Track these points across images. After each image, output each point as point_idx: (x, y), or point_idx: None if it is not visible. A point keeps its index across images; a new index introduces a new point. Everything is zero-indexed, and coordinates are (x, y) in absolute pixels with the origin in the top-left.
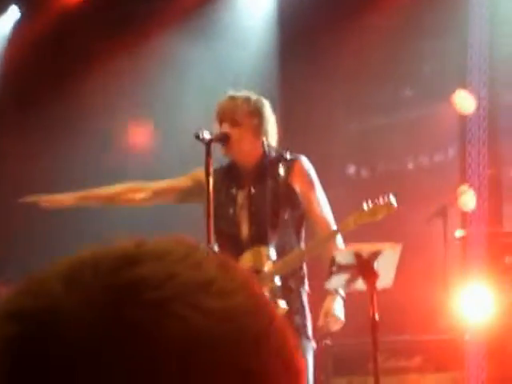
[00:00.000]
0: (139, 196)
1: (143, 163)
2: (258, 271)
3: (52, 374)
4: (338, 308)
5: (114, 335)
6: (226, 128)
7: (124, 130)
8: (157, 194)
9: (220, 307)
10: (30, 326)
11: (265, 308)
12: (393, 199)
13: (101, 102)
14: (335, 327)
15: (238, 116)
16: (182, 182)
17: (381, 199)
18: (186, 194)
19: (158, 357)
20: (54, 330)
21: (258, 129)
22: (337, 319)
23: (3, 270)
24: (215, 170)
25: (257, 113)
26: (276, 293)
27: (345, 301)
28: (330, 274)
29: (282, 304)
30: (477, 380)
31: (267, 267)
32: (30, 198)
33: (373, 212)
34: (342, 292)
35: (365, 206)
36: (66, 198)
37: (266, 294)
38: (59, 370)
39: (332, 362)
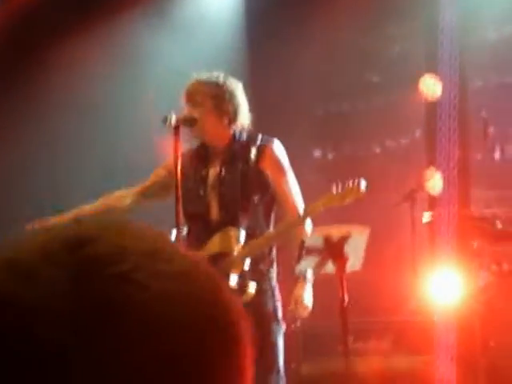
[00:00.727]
0: (126, 203)
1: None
2: (227, 254)
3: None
4: (307, 295)
5: (84, 317)
6: (189, 110)
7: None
8: (142, 194)
9: (176, 271)
10: None
11: (209, 273)
12: (362, 183)
13: (61, 92)
14: (304, 314)
15: (200, 97)
16: (159, 173)
17: (350, 183)
18: (167, 186)
19: (136, 327)
20: (15, 327)
21: (220, 110)
22: (305, 305)
23: None
24: (184, 154)
25: (218, 94)
26: (246, 276)
27: (313, 285)
28: (300, 257)
29: (252, 286)
30: (446, 361)
31: (237, 250)
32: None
33: (341, 196)
34: (310, 276)
35: (334, 190)
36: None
37: (236, 276)
38: (42, 361)
39: (302, 344)
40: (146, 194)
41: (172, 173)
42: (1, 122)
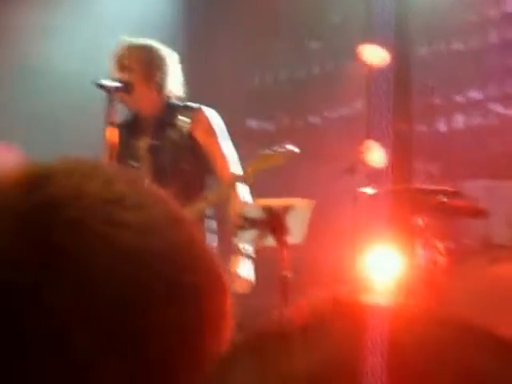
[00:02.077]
0: None
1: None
2: None
3: None
4: (245, 268)
5: (39, 263)
6: (121, 76)
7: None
8: None
9: (138, 220)
10: None
11: (183, 221)
12: (290, 146)
13: None
14: (242, 289)
15: (131, 62)
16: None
17: (278, 147)
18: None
19: (85, 278)
20: None
21: (151, 76)
22: (244, 280)
23: None
24: (119, 125)
25: (150, 60)
26: None
27: (254, 259)
28: (238, 229)
29: None
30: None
31: None
32: None
33: (270, 157)
34: (250, 249)
35: (266, 152)
36: None
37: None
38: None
39: (240, 321)
40: None
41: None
42: None
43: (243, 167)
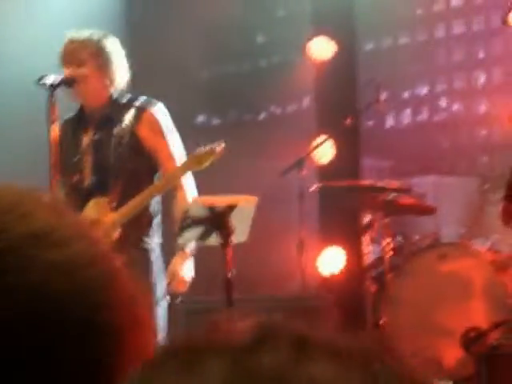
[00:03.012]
0: None
1: None
2: (98, 222)
3: None
4: (185, 268)
5: None
6: (70, 70)
7: None
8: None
9: (61, 258)
10: None
11: (106, 257)
12: (218, 145)
13: None
14: (181, 288)
15: (82, 56)
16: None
17: (207, 146)
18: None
19: (3, 313)
20: None
21: (104, 68)
22: (183, 280)
23: None
24: (65, 121)
25: (101, 52)
26: (115, 246)
27: (194, 257)
28: (182, 228)
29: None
30: None
31: (107, 219)
32: None
33: (198, 158)
34: (191, 248)
35: (196, 151)
36: None
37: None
38: None
39: (185, 321)
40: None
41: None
42: None
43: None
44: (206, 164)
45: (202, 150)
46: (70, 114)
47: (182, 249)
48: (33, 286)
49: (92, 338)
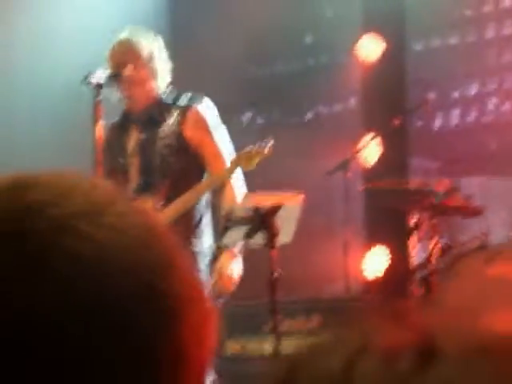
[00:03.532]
0: None
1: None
2: None
3: None
4: (231, 268)
5: (21, 262)
6: (117, 70)
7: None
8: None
9: (124, 224)
10: None
11: (166, 236)
12: (267, 144)
13: None
14: (229, 288)
15: (129, 56)
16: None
17: (256, 146)
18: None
19: (69, 275)
20: None
21: (149, 69)
22: (231, 279)
23: None
24: (111, 126)
25: (148, 52)
26: None
27: (242, 257)
28: (227, 227)
29: None
30: None
31: None
32: None
33: (247, 158)
34: (239, 247)
35: (246, 149)
36: None
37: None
38: None
39: (226, 323)
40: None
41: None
42: None
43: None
44: (255, 163)
45: (251, 149)
46: (115, 117)
47: (228, 247)
48: (100, 249)
49: (151, 301)
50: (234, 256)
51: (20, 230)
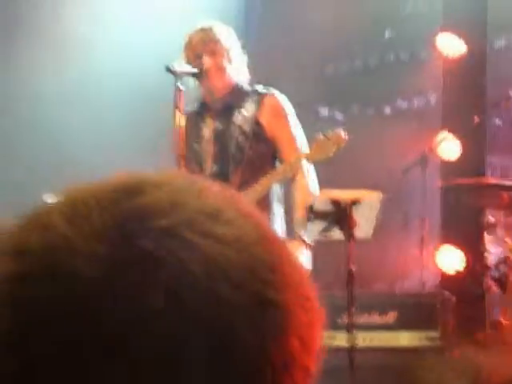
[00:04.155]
0: None
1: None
2: None
3: (61, 315)
4: (302, 257)
5: (127, 268)
6: (197, 60)
7: None
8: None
9: (232, 235)
10: (35, 265)
11: (273, 239)
12: (341, 133)
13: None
14: None
15: (209, 46)
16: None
17: (330, 134)
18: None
19: (175, 286)
20: (63, 269)
21: (228, 59)
22: None
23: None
24: (189, 114)
25: (226, 43)
26: None
27: (315, 251)
28: (307, 220)
29: None
30: (450, 336)
31: None
32: None
33: (322, 147)
34: (311, 239)
35: (320, 137)
36: None
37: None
38: (70, 311)
39: None
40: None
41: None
42: None
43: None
44: (330, 153)
45: (326, 137)
46: (193, 105)
47: (301, 238)
48: (204, 260)
49: (258, 312)
50: (303, 247)
51: (134, 231)
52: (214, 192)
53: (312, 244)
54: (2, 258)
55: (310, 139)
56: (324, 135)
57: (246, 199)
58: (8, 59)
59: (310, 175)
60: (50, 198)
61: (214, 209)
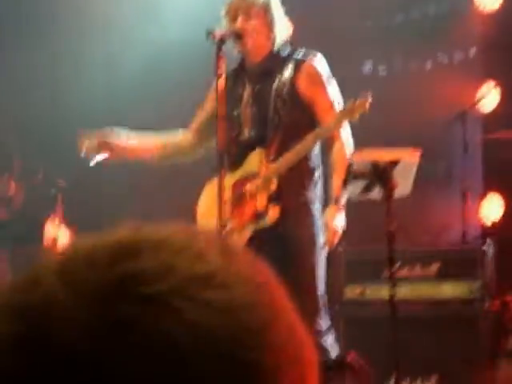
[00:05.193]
0: (189, 141)
1: None
2: (256, 175)
3: (53, 374)
4: (337, 220)
5: (108, 333)
6: (239, 23)
7: None
8: (199, 131)
9: (218, 299)
10: (23, 325)
11: (271, 301)
12: (365, 98)
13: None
14: (333, 240)
15: (249, 10)
16: (207, 107)
17: (356, 99)
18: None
19: (154, 352)
20: (49, 329)
21: (269, 22)
22: (335, 232)
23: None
24: (228, 74)
25: (267, 6)
26: (274, 197)
27: (356, 210)
28: (346, 181)
29: (274, 210)
30: (492, 287)
31: (265, 170)
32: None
33: (350, 111)
34: (343, 201)
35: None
36: (127, 147)
37: (264, 199)
38: (60, 370)
39: (345, 269)
40: (201, 130)
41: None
42: None
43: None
44: (357, 116)
45: (353, 103)
46: (232, 67)
47: (335, 201)
48: (188, 326)
49: (242, 376)
50: (339, 209)
51: (116, 298)
52: (216, 251)
53: (345, 205)
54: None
55: (353, 96)
56: (352, 101)
57: (284, 162)
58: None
59: (346, 138)
60: (95, 160)
61: (208, 272)
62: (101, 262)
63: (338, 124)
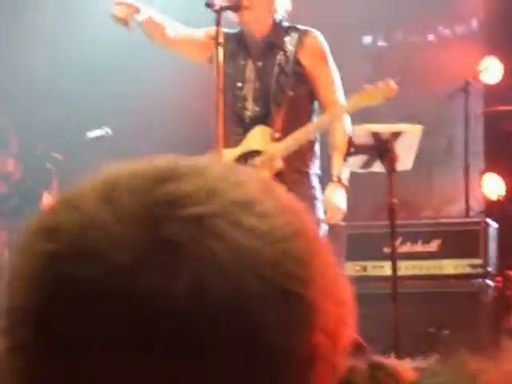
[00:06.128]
0: (169, 34)
1: None
2: (260, 152)
3: (86, 295)
4: (338, 197)
5: (152, 254)
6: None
7: None
8: (181, 39)
9: (262, 227)
10: (66, 244)
11: (308, 233)
12: (392, 83)
13: None
14: (334, 217)
15: None
16: (197, 33)
17: (381, 83)
18: (200, 46)
19: (198, 275)
20: (91, 249)
21: None
22: (336, 208)
23: None
24: (227, 35)
25: None
26: (279, 174)
27: (357, 184)
28: (347, 154)
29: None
30: (493, 263)
31: (270, 148)
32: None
33: (371, 94)
34: (344, 178)
35: (366, 87)
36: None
37: (273, 179)
38: (94, 291)
39: (346, 245)
40: (180, 39)
41: (210, 43)
42: None
43: (345, 98)
44: (378, 101)
45: (376, 86)
46: (229, 31)
47: (336, 178)
48: (231, 250)
49: (282, 305)
50: (340, 186)
51: (149, 223)
52: (253, 182)
53: (346, 182)
54: (34, 237)
55: (356, 69)
56: (374, 85)
57: (288, 144)
58: None
59: (346, 120)
60: (94, 134)
61: (249, 200)
62: (141, 185)
63: (359, 104)
